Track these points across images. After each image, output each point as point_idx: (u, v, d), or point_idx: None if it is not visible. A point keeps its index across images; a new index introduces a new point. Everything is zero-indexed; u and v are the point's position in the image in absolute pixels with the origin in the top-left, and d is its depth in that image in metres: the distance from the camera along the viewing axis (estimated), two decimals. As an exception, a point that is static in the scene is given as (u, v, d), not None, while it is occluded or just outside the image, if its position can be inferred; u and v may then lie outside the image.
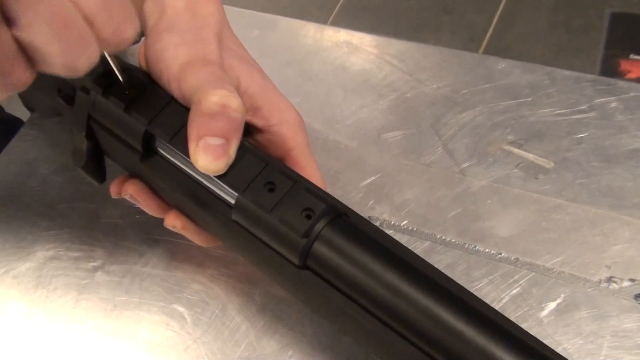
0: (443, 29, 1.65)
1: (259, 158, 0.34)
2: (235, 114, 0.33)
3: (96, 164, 0.41)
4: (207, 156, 0.33)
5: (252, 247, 0.34)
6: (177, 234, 0.39)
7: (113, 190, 0.40)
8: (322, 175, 0.39)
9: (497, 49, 1.58)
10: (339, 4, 1.73)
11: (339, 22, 1.70)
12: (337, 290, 0.32)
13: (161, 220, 0.39)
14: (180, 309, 0.43)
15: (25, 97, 0.52)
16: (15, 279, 0.45)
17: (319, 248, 0.32)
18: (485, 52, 1.58)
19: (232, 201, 0.34)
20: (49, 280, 0.45)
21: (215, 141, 0.33)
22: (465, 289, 0.32)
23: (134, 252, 0.45)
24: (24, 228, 0.47)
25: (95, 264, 0.45)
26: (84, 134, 0.39)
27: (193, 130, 0.33)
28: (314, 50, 0.55)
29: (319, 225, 0.32)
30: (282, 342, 0.40)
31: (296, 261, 0.33)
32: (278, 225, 0.32)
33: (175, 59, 0.35)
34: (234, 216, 0.34)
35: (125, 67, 0.37)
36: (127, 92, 0.36)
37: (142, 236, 0.46)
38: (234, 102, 0.34)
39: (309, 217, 0.32)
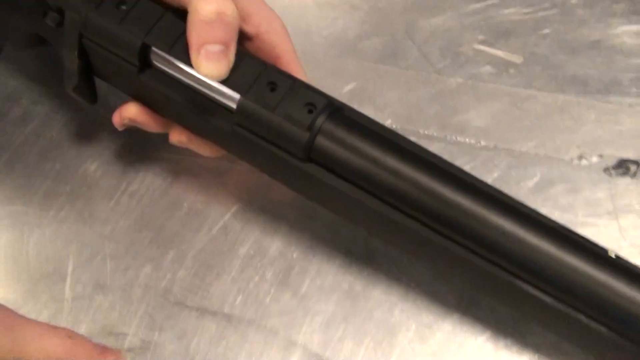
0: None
1: (257, 60, 0.36)
2: (231, 19, 0.35)
3: (87, 84, 0.42)
4: (210, 63, 0.34)
5: (256, 148, 0.36)
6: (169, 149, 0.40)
7: (116, 120, 0.41)
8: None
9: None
10: None
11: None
12: (340, 178, 0.35)
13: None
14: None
15: (-3, 28, 0.51)
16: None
17: (322, 140, 0.34)
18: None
19: (234, 106, 0.36)
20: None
21: (215, 48, 0.34)
22: (457, 166, 0.35)
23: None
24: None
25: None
26: (76, 52, 0.39)
27: (193, 38, 0.35)
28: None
29: (321, 119, 0.34)
30: (283, 240, 0.43)
31: (300, 154, 0.35)
32: (282, 121, 0.34)
33: None
34: (237, 119, 0.36)
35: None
36: (119, 7, 0.37)
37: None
38: (229, 9, 0.35)
39: (310, 111, 0.34)
